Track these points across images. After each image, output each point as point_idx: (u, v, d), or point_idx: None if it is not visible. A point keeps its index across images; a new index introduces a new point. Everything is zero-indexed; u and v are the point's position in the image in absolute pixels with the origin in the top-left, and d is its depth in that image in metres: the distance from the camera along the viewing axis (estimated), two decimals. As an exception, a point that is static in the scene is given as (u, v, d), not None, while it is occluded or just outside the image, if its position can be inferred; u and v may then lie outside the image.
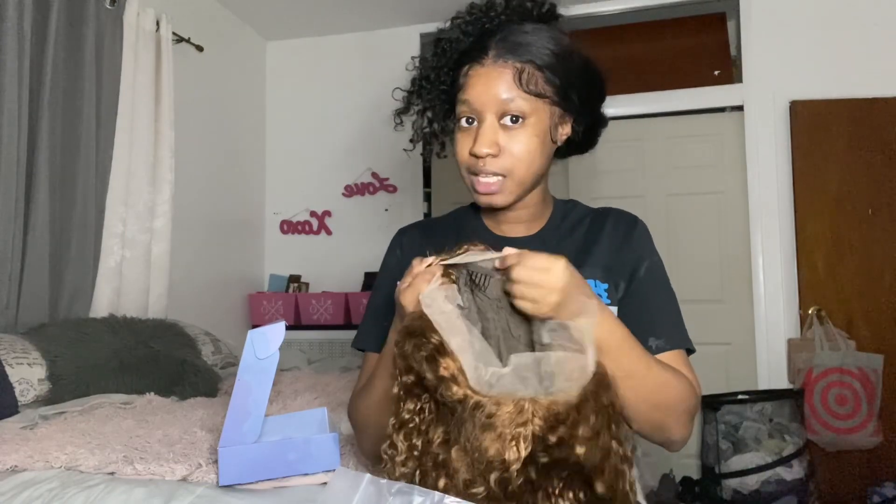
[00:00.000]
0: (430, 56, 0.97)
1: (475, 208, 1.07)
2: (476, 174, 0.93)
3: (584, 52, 0.95)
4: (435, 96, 0.97)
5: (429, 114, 0.99)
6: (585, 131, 1.00)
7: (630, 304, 0.96)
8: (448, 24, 0.97)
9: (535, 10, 0.94)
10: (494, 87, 0.89)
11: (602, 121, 1.02)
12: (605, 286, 0.95)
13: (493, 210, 1.00)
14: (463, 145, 0.93)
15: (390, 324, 0.98)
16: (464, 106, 0.92)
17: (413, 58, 1.02)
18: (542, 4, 0.95)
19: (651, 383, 0.84)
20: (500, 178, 0.92)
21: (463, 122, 0.93)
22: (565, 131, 0.96)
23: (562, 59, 0.91)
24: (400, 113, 1.01)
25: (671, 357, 0.94)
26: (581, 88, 0.94)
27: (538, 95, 0.89)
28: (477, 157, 0.90)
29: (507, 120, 0.90)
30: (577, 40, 0.95)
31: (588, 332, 0.70)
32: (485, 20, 0.94)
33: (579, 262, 0.97)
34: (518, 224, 1.01)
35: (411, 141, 1.02)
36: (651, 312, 0.96)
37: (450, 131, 1.00)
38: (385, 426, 0.80)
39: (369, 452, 1.03)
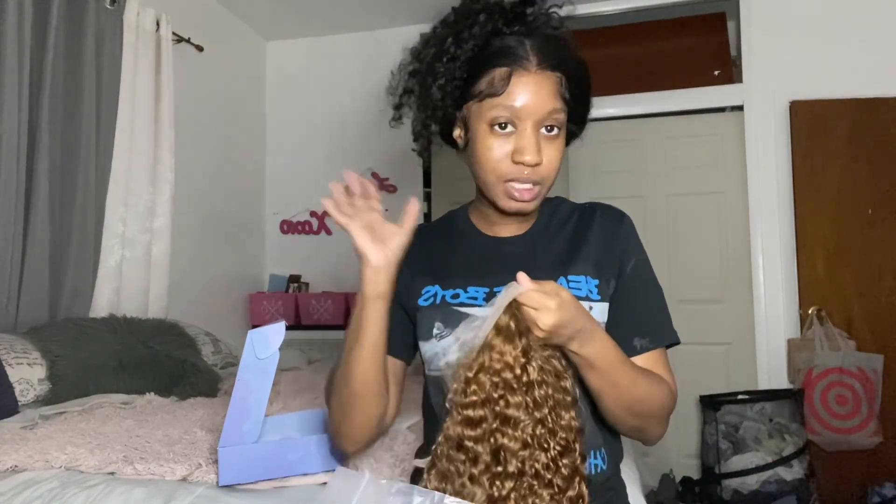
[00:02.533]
0: (438, 45, 0.92)
1: (465, 210, 1.07)
2: (512, 180, 0.91)
3: (584, 59, 0.96)
4: (450, 85, 0.92)
5: (437, 96, 0.92)
6: (573, 133, 1.01)
7: (617, 302, 0.98)
8: (459, 14, 0.93)
9: (553, 16, 0.93)
10: (541, 96, 0.88)
11: (587, 118, 1.02)
12: (596, 282, 0.96)
13: (486, 212, 1.00)
14: (499, 151, 0.90)
15: (392, 331, 0.96)
16: (505, 111, 0.88)
17: (410, 46, 0.97)
18: (550, 13, 0.93)
19: (635, 395, 0.87)
20: (537, 186, 0.91)
21: (496, 125, 0.90)
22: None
23: (584, 70, 0.93)
24: (398, 107, 0.97)
25: (654, 356, 0.96)
26: (587, 99, 0.96)
27: (567, 105, 0.91)
28: (525, 165, 0.89)
29: (546, 129, 0.90)
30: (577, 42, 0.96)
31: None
32: (503, 20, 0.90)
33: (570, 257, 0.97)
34: (510, 224, 1.01)
35: (415, 140, 0.99)
36: (636, 311, 0.98)
37: (451, 121, 0.96)
38: (353, 389, 0.88)
39: (343, 437, 0.96)
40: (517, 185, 0.91)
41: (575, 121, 0.98)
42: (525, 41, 0.90)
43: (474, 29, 0.91)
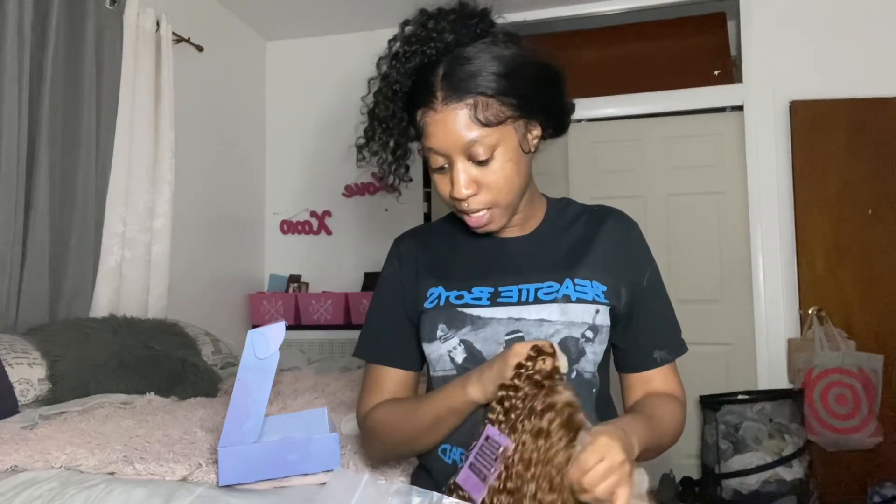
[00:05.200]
0: (378, 100, 0.93)
1: None
2: (463, 212, 0.93)
3: (532, 54, 0.91)
4: (396, 134, 0.95)
5: (391, 144, 0.95)
6: (556, 123, 0.97)
7: (636, 315, 0.99)
8: (385, 58, 0.92)
9: (471, 26, 0.90)
10: (453, 130, 0.86)
11: (569, 108, 0.98)
12: (604, 288, 0.96)
13: None
14: (442, 188, 0.93)
15: (391, 336, 1.03)
16: (430, 153, 0.90)
17: (363, 97, 0.97)
18: (476, 19, 0.90)
19: (661, 442, 0.90)
20: (487, 210, 0.92)
21: (432, 165, 0.92)
22: (535, 134, 0.94)
23: (512, 78, 0.87)
24: (361, 149, 0.98)
25: (670, 367, 1.00)
26: (540, 94, 0.91)
27: (499, 123, 0.87)
28: (458, 199, 0.90)
29: (476, 157, 0.88)
30: (521, 41, 0.91)
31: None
32: (423, 51, 0.89)
33: (576, 260, 0.97)
34: (512, 227, 1.01)
35: (380, 179, 1.00)
36: (656, 324, 1.00)
37: (409, 157, 0.99)
38: (418, 443, 0.95)
39: (378, 459, 1.09)
40: (470, 216, 0.93)
41: (539, 120, 0.94)
42: (439, 72, 0.87)
43: (399, 68, 0.90)
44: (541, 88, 0.91)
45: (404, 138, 0.96)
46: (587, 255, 0.98)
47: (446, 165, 0.90)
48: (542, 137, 0.96)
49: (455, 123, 0.86)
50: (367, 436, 1.04)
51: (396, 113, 0.93)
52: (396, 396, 1.02)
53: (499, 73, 0.86)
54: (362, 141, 0.97)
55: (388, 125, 0.93)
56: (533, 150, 0.95)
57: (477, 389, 0.86)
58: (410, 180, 1.01)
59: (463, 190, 0.89)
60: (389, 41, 0.93)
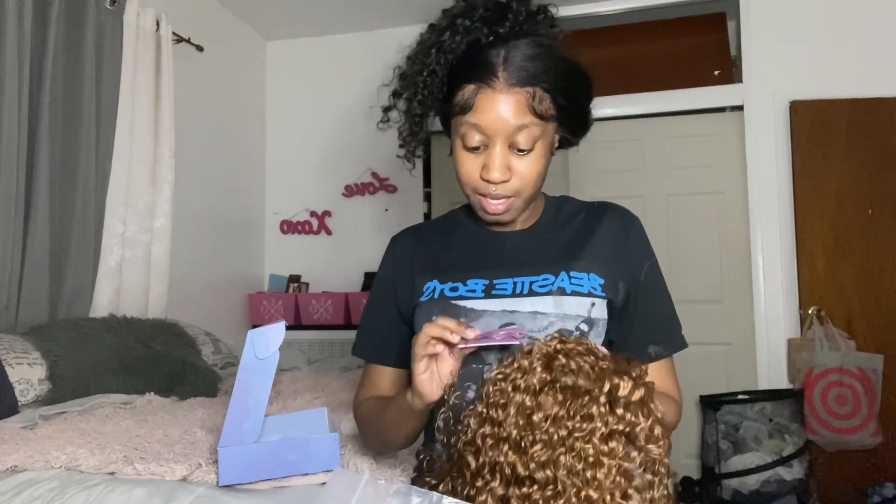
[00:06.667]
0: (427, 62, 0.92)
1: (467, 207, 1.08)
2: (484, 195, 0.93)
3: (580, 63, 0.94)
4: (430, 99, 0.94)
5: (417, 111, 0.95)
6: (575, 137, 1.00)
7: (631, 308, 0.98)
8: (439, 27, 0.92)
9: (537, 20, 0.91)
10: (507, 113, 0.87)
11: (591, 124, 1.01)
12: (601, 281, 0.96)
13: None
14: (469, 167, 0.92)
15: (384, 335, 1.05)
16: (472, 129, 0.89)
17: (408, 55, 0.96)
18: (542, 15, 0.91)
19: None
20: (508, 199, 0.92)
21: (468, 143, 0.90)
22: (557, 139, 0.97)
23: (569, 80, 0.90)
24: (387, 110, 0.99)
25: (665, 363, 0.99)
26: (581, 105, 0.95)
27: (548, 119, 0.89)
28: (489, 182, 0.90)
29: (518, 145, 0.88)
30: (573, 49, 0.93)
31: None
32: (484, 30, 0.89)
33: (573, 254, 0.98)
34: (512, 222, 1.01)
35: (401, 146, 1.00)
36: (651, 318, 0.99)
37: (427, 134, 0.99)
38: (391, 441, 0.99)
39: (373, 450, 1.13)
40: (489, 200, 0.92)
41: (569, 127, 0.96)
42: (500, 54, 0.88)
43: (456, 38, 0.90)
44: (584, 101, 0.95)
45: (434, 108, 0.95)
46: (584, 248, 0.98)
47: (481, 147, 0.90)
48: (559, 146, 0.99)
49: (510, 106, 0.87)
50: (358, 427, 1.10)
51: (443, 80, 0.92)
52: (387, 392, 1.04)
53: (560, 73, 0.89)
54: (387, 103, 0.98)
55: (431, 92, 0.92)
56: (554, 154, 0.97)
57: (412, 393, 0.87)
58: (421, 156, 1.02)
59: (496, 173, 0.89)
60: (444, 10, 0.93)
